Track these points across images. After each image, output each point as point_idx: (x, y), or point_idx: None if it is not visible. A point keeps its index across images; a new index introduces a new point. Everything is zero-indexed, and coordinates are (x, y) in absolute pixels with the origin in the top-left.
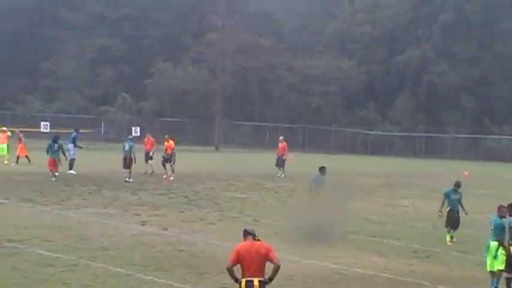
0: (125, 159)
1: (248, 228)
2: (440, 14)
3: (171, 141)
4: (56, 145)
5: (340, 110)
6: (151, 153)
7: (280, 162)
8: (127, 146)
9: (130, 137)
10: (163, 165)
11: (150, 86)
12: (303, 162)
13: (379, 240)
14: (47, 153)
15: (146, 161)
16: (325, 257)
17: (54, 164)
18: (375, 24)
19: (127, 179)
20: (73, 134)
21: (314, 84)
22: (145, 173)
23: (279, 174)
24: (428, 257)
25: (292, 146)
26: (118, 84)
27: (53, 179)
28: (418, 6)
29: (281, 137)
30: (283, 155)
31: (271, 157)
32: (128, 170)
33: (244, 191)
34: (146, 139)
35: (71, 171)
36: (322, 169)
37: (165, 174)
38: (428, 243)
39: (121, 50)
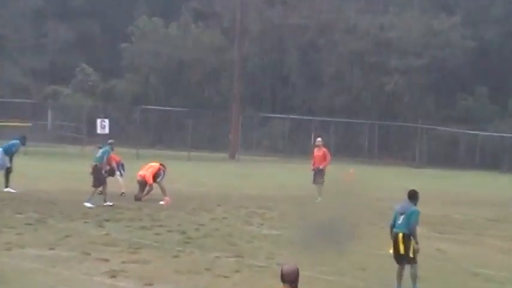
0: (95, 170)
1: (287, 268)
2: None
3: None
4: None
5: (432, 97)
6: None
7: (319, 177)
8: (100, 153)
9: (111, 141)
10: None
11: (127, 54)
12: (371, 180)
13: None
14: None
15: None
16: None
17: None
18: None
19: (106, 203)
20: (13, 142)
21: (389, 55)
22: (122, 193)
23: (318, 200)
24: None
25: (353, 152)
26: (76, 51)
27: None
28: None
29: (318, 139)
30: (323, 166)
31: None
32: (99, 189)
33: (276, 225)
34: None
35: (8, 189)
36: (413, 195)
37: (162, 200)
38: None
39: None
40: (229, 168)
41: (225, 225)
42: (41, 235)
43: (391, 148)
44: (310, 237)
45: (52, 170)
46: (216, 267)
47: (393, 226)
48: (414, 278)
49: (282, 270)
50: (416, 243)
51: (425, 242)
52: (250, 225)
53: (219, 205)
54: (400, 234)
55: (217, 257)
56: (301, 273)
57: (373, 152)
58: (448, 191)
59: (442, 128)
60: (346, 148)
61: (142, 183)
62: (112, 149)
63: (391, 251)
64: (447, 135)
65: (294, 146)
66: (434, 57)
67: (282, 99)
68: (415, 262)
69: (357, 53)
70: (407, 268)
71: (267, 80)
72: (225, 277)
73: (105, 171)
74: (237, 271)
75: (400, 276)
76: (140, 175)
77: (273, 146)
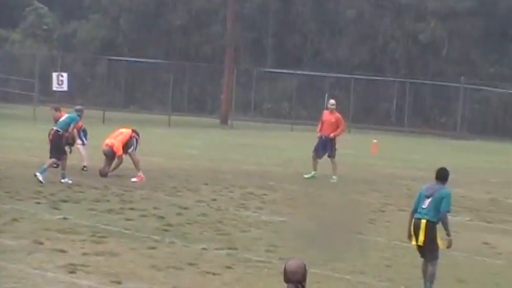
0: (53, 139)
1: (292, 264)
2: None
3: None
4: None
5: (478, 49)
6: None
7: (327, 149)
8: (65, 118)
9: (79, 107)
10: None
11: None
12: (398, 153)
13: None
14: None
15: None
16: None
17: None
18: None
19: (64, 179)
20: None
21: None
22: (84, 167)
23: (310, 175)
24: None
25: (377, 118)
26: None
27: None
28: None
29: (332, 101)
30: (334, 135)
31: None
32: (59, 161)
33: (278, 209)
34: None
35: None
36: (442, 175)
37: (135, 176)
38: None
39: None
40: (220, 137)
41: (214, 209)
42: None
43: (425, 113)
44: (321, 224)
45: None
46: (202, 262)
47: (415, 211)
48: (431, 278)
49: (285, 268)
50: (448, 234)
51: (469, 234)
52: (246, 209)
53: (206, 184)
54: (424, 221)
55: (204, 249)
56: (309, 271)
57: (402, 118)
58: (497, 168)
59: (490, 89)
60: (369, 112)
61: (110, 155)
62: (80, 118)
63: (414, 243)
64: (496, 98)
65: (303, 109)
66: None
67: (289, 49)
68: (436, 258)
69: None
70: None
71: (269, 25)
72: (213, 274)
73: (67, 142)
74: (229, 267)
75: (425, 272)
76: (107, 144)
77: (276, 109)
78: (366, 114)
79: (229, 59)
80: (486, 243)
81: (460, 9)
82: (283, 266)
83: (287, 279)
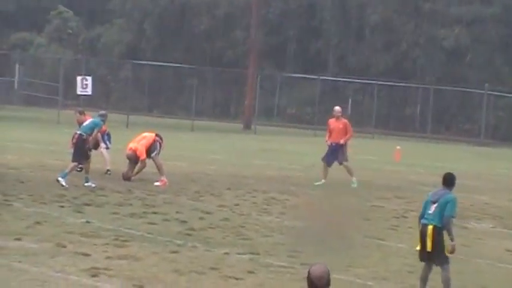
0: (77, 143)
1: (317, 269)
2: None
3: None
4: None
5: (503, 55)
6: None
7: (337, 156)
8: (89, 122)
9: (103, 112)
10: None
11: None
12: (421, 159)
13: None
14: None
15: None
16: None
17: None
18: None
19: (87, 183)
20: None
21: (450, 0)
22: (108, 171)
23: (320, 182)
24: None
25: (401, 124)
26: None
27: None
28: None
29: (337, 108)
30: (344, 141)
31: (358, 144)
32: (82, 165)
33: (301, 215)
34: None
35: None
36: (449, 180)
37: (158, 181)
38: None
39: None
40: (243, 142)
41: (236, 214)
42: (4, 221)
43: (449, 120)
44: (341, 230)
45: (19, 140)
46: (225, 266)
47: (422, 216)
48: (447, 283)
49: (310, 273)
50: (452, 240)
51: (492, 241)
52: (268, 214)
53: (229, 188)
54: (430, 227)
55: (226, 253)
56: (332, 276)
57: (426, 124)
58: None
59: None
60: (393, 119)
61: (133, 159)
62: (104, 122)
63: (418, 248)
64: None
65: (326, 114)
66: (507, 5)
67: (312, 55)
68: (448, 263)
69: None
70: (436, 269)
71: (293, 30)
72: (235, 279)
73: (89, 147)
74: (251, 272)
75: (424, 279)
76: (131, 148)
77: (299, 114)
78: (389, 120)
79: (252, 64)
80: (509, 251)
81: (484, 15)
82: (307, 271)
83: (312, 285)
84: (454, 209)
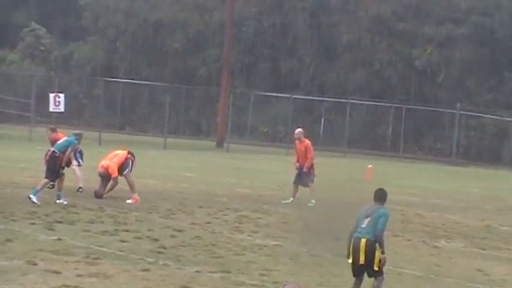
0: (49, 160)
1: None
2: None
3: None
4: None
5: (474, 75)
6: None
7: (304, 178)
8: (63, 141)
9: (78, 132)
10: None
11: (90, 11)
12: (393, 178)
13: None
14: None
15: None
16: None
17: None
18: None
19: (59, 200)
20: None
21: (421, 21)
22: (80, 188)
23: (288, 200)
24: None
25: (373, 143)
26: (24, 6)
27: None
28: None
29: (298, 130)
30: (306, 168)
31: (330, 163)
32: (53, 182)
33: (273, 233)
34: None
35: None
36: (381, 196)
37: (130, 199)
38: None
39: None
40: (215, 160)
41: (208, 232)
42: None
43: (421, 139)
44: (314, 248)
45: None
46: (196, 284)
47: (355, 231)
48: None
49: None
50: (383, 253)
51: (463, 260)
52: (240, 232)
53: (201, 206)
54: (363, 240)
55: (198, 272)
56: None
57: (398, 143)
58: (492, 195)
59: (485, 116)
60: (365, 138)
61: (105, 176)
62: (79, 142)
63: (350, 261)
64: (492, 125)
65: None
66: (479, 25)
67: (285, 73)
68: (381, 275)
69: (381, 17)
70: (369, 281)
71: (266, 49)
72: None
73: (61, 165)
74: None
75: None
76: (102, 166)
77: (272, 132)
78: (362, 139)
79: (225, 82)
80: (480, 270)
81: (456, 35)
82: None
83: None
84: (386, 223)
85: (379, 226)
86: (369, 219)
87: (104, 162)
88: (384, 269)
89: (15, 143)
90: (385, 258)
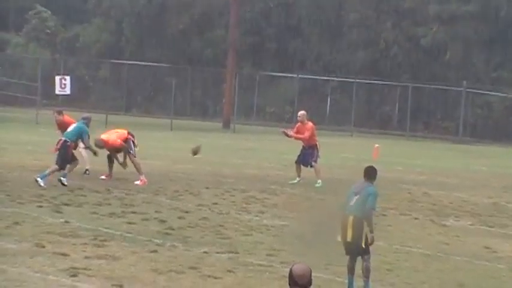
0: (61, 149)
1: (298, 268)
2: None
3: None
4: None
5: (481, 53)
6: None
7: (308, 158)
8: (73, 128)
9: (86, 115)
10: (109, 159)
11: None
12: (400, 157)
13: None
14: None
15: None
16: None
17: None
18: None
19: (63, 178)
20: None
21: None
22: (86, 170)
23: (293, 181)
24: None
25: (379, 122)
26: None
27: None
28: None
29: (301, 112)
30: (313, 144)
31: (337, 143)
32: (64, 170)
33: (280, 213)
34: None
35: None
36: (370, 173)
37: (138, 180)
38: None
39: None
40: (222, 141)
41: (215, 213)
42: None
43: (427, 118)
44: (321, 228)
45: None
46: (204, 265)
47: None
48: (367, 272)
49: (292, 272)
50: (371, 231)
51: (470, 238)
52: (247, 213)
53: (208, 187)
54: (351, 217)
55: (206, 252)
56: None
57: (404, 122)
58: (499, 173)
59: (492, 93)
60: (371, 117)
61: (101, 146)
62: (88, 126)
63: (339, 239)
64: (498, 102)
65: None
66: (484, 3)
67: (291, 53)
68: (368, 253)
69: None
70: (359, 260)
71: (271, 29)
72: (214, 278)
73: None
74: (230, 271)
75: (351, 270)
76: (102, 139)
77: (278, 113)
78: (368, 118)
79: (231, 63)
80: (487, 248)
81: (461, 13)
82: (289, 270)
83: (293, 283)
84: (375, 201)
85: (369, 204)
86: (357, 196)
87: (103, 136)
88: (394, 249)
89: (22, 126)
90: (373, 237)
